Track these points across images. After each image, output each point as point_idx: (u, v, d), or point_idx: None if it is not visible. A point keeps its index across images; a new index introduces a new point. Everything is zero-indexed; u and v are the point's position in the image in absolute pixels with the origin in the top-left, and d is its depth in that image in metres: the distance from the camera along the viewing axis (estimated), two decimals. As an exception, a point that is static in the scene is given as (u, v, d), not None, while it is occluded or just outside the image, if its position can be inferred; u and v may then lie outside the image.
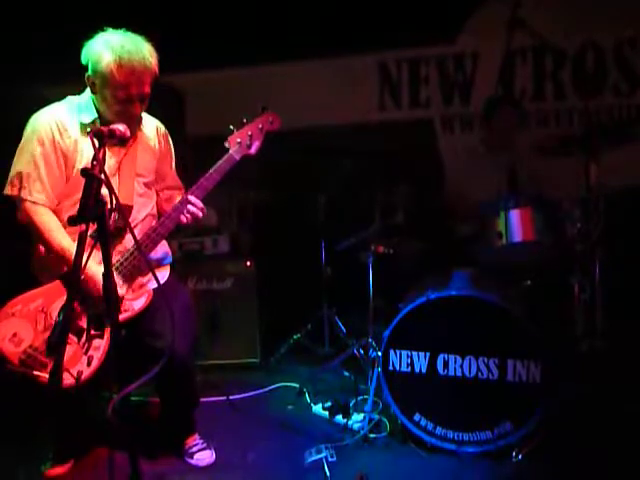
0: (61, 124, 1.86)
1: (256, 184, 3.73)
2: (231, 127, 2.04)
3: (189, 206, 1.93)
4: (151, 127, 2.10)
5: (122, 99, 1.80)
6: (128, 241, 1.89)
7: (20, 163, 1.85)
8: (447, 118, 3.80)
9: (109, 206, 1.30)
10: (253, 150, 2.04)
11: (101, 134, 1.34)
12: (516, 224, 2.47)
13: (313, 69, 3.85)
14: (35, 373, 1.68)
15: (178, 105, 3.92)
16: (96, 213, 1.25)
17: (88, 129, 1.82)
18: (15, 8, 3.45)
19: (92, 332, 1.73)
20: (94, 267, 1.76)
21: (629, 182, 3.30)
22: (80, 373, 1.69)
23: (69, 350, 1.67)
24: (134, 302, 1.89)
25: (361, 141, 3.74)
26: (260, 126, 2.07)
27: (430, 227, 3.12)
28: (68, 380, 1.67)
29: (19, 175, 1.83)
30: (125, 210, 1.87)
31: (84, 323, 1.78)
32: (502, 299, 2.21)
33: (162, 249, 2.09)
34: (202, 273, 3.23)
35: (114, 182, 1.87)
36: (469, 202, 3.08)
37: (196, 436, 2.30)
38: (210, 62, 3.76)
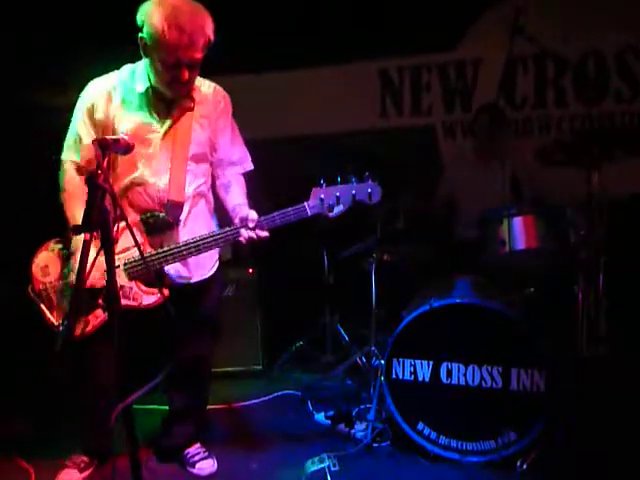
0: (107, 94, 1.85)
1: (257, 191, 3.73)
2: (322, 182, 1.86)
3: (249, 232, 1.86)
4: (209, 93, 1.97)
5: (170, 64, 1.72)
6: (178, 235, 1.88)
7: (68, 130, 1.91)
8: (448, 125, 3.81)
9: (113, 215, 1.30)
10: (333, 214, 1.84)
11: (105, 143, 1.34)
12: (519, 231, 2.46)
13: (315, 76, 3.86)
14: (42, 307, 1.86)
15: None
16: (100, 222, 1.25)
17: (140, 97, 1.83)
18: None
19: (99, 301, 1.80)
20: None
21: (633, 189, 3.29)
22: (82, 330, 1.80)
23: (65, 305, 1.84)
24: (144, 296, 1.85)
25: (363, 148, 3.75)
26: (353, 192, 1.84)
27: (432, 234, 3.11)
28: (60, 329, 1.82)
29: (66, 140, 1.91)
30: (175, 207, 1.85)
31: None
32: (505, 307, 2.20)
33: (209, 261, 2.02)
34: (204, 280, 3.22)
35: (157, 164, 1.86)
36: (470, 209, 3.09)
37: (198, 445, 2.28)
38: (213, 70, 3.77)
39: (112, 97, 1.87)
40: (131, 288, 1.83)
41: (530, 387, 2.16)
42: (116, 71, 1.94)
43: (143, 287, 1.85)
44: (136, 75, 1.88)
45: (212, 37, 1.75)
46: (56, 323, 1.85)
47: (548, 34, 3.43)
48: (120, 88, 1.88)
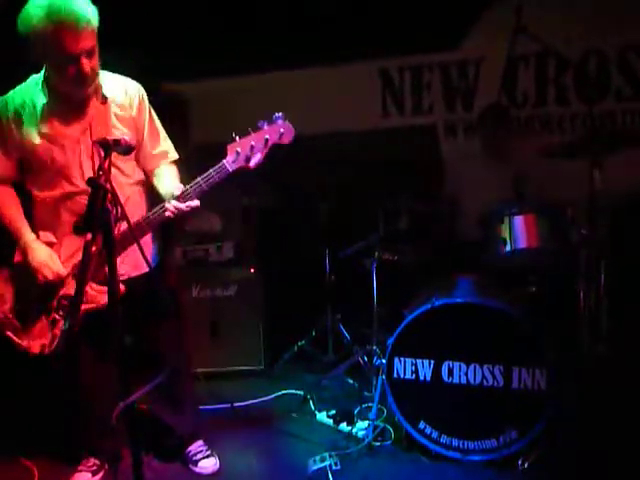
0: (14, 107, 1.86)
1: (259, 191, 3.74)
2: (234, 135, 1.83)
3: (175, 204, 1.81)
4: (119, 91, 1.95)
5: (66, 59, 1.70)
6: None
7: None
8: (450, 124, 3.80)
9: (114, 215, 1.30)
10: (252, 164, 1.81)
11: (107, 144, 1.35)
12: (520, 230, 2.46)
13: (315, 76, 3.86)
14: (9, 335, 1.87)
15: (183, 113, 3.94)
16: (101, 222, 1.26)
17: (43, 109, 1.83)
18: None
19: (56, 316, 1.82)
20: (38, 257, 1.85)
21: (634, 187, 3.28)
22: (44, 346, 1.82)
23: (39, 324, 1.85)
24: (100, 295, 1.81)
25: (364, 148, 3.75)
26: (266, 137, 1.80)
27: (434, 233, 3.11)
28: (35, 349, 1.84)
29: None
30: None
31: (55, 303, 1.85)
32: (507, 306, 2.20)
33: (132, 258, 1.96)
34: (206, 280, 3.23)
35: (86, 170, 1.84)
36: (472, 207, 3.09)
37: (200, 442, 2.28)
38: (214, 70, 3.78)
39: (20, 112, 1.87)
40: (86, 292, 1.80)
41: (531, 386, 2.16)
42: (23, 84, 1.93)
43: (97, 287, 1.83)
44: (40, 85, 1.88)
45: (95, 22, 1.73)
46: (27, 345, 1.85)
47: (549, 33, 3.44)
48: (28, 100, 1.87)
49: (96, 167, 1.81)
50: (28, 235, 1.91)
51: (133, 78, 2.05)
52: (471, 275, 2.52)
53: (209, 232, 3.45)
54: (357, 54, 3.75)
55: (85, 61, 1.72)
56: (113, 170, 1.88)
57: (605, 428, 2.28)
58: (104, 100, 1.89)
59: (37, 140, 1.86)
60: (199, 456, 2.24)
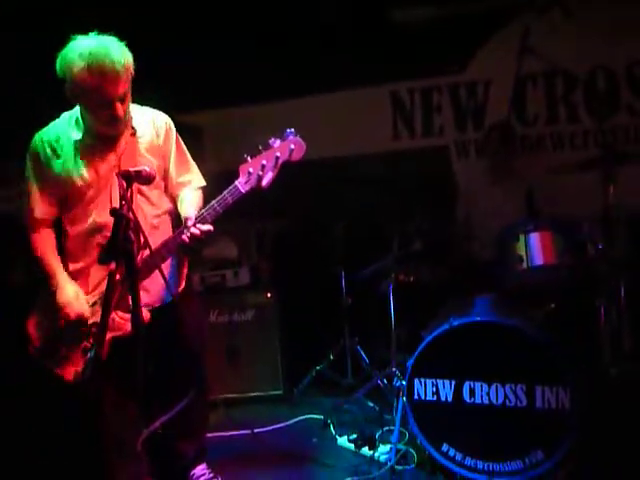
0: (49, 144, 1.92)
1: (274, 215, 3.78)
2: (245, 155, 1.82)
3: (190, 229, 1.82)
4: (147, 123, 2.00)
5: (100, 103, 1.77)
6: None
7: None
8: (461, 144, 3.83)
9: (137, 244, 1.34)
10: (265, 183, 1.79)
11: (128, 175, 1.40)
12: (536, 247, 2.46)
13: (327, 101, 3.93)
14: (44, 361, 1.91)
15: (197, 141, 4.03)
16: (124, 251, 1.29)
17: (78, 145, 1.89)
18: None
19: (87, 344, 1.86)
20: (64, 296, 1.89)
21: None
22: (77, 373, 1.85)
23: (72, 352, 1.89)
24: (127, 323, 1.82)
25: (377, 170, 3.79)
26: (277, 154, 1.79)
27: (449, 253, 3.11)
28: (69, 376, 1.87)
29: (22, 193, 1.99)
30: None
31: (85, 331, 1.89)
32: (526, 324, 2.19)
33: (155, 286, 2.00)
34: (223, 305, 3.26)
35: (111, 195, 1.88)
36: (487, 226, 3.09)
37: (204, 465, 2.26)
38: (227, 99, 3.87)
39: (56, 148, 1.92)
40: (113, 319, 1.83)
41: (556, 405, 2.12)
42: (57, 120, 1.99)
43: (123, 314, 1.86)
44: (73, 122, 1.94)
45: (132, 68, 1.80)
46: (61, 372, 1.89)
47: (556, 51, 3.48)
48: (63, 137, 1.93)
49: (134, 197, 1.90)
50: (60, 274, 1.96)
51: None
52: (489, 294, 2.51)
53: (226, 258, 3.49)
54: (367, 78, 3.82)
55: (119, 105, 1.80)
56: (140, 199, 1.97)
57: (632, 447, 2.22)
58: (133, 132, 1.96)
59: (72, 175, 1.92)
60: (202, 479, 2.22)
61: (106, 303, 1.29)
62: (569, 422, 2.09)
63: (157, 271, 1.99)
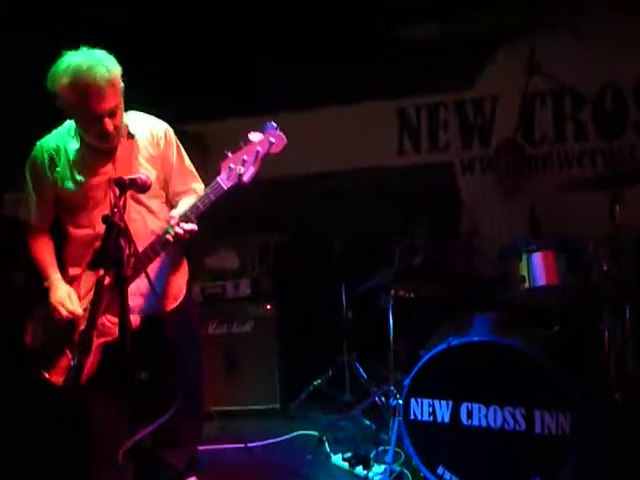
0: (49, 156, 1.94)
1: (277, 227, 3.77)
2: (226, 151, 1.78)
3: (174, 229, 1.80)
4: (145, 130, 1.98)
5: (87, 119, 1.77)
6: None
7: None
8: (467, 160, 3.81)
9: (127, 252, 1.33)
10: (246, 178, 1.75)
11: (122, 183, 1.39)
12: (539, 267, 2.41)
13: (333, 115, 3.94)
14: (37, 368, 1.90)
15: (202, 152, 4.05)
16: (114, 259, 1.28)
17: (76, 154, 1.90)
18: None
19: (76, 349, 1.83)
20: (57, 296, 1.89)
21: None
22: (68, 379, 1.81)
23: (63, 358, 1.88)
24: (115, 328, 1.73)
25: (381, 185, 3.78)
26: (258, 149, 1.76)
27: (451, 270, 3.08)
28: (58, 382, 1.85)
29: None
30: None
31: (76, 338, 1.88)
32: (526, 345, 2.14)
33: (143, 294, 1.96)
34: (223, 317, 3.24)
35: (110, 202, 1.84)
36: (490, 244, 3.05)
37: (194, 478, 2.22)
38: (232, 111, 3.89)
39: (54, 157, 1.94)
40: (103, 324, 1.83)
41: (555, 430, 2.06)
42: (58, 129, 2.00)
43: (112, 319, 1.83)
44: (72, 131, 1.95)
45: (120, 83, 1.80)
46: (53, 379, 1.89)
47: (564, 69, 3.47)
48: (62, 146, 1.95)
49: (126, 205, 1.90)
50: (53, 274, 1.97)
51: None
52: (489, 313, 2.47)
53: (227, 269, 3.48)
54: (374, 94, 3.82)
55: (107, 121, 1.79)
56: (141, 209, 1.97)
57: (636, 475, 2.15)
58: (130, 137, 1.95)
59: (70, 184, 1.93)
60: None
61: (93, 310, 1.27)
62: (570, 448, 2.03)
63: (154, 277, 1.99)
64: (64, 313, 1.88)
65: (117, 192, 1.35)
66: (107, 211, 1.87)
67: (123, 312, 1.33)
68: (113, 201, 1.36)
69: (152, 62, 3.45)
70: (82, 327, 1.89)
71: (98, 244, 1.87)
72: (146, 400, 1.63)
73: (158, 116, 2.13)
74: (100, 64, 1.75)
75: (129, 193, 1.86)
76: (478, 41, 3.57)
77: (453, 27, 3.58)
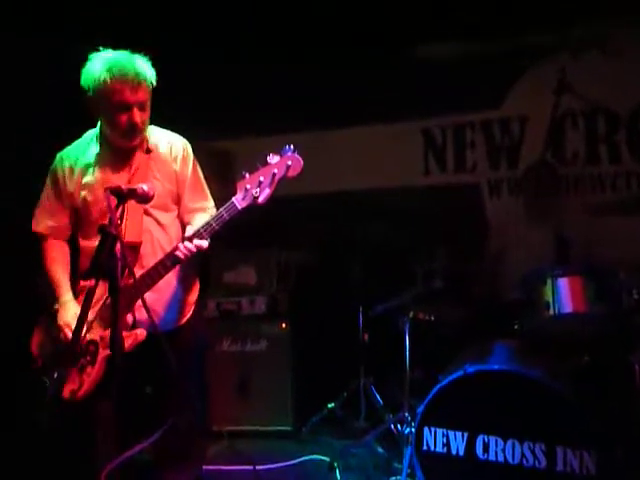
0: (68, 162, 1.97)
1: (297, 246, 3.73)
2: (243, 172, 1.83)
3: (186, 245, 1.82)
4: (165, 145, 2.02)
5: (119, 108, 1.80)
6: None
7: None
8: (494, 182, 3.70)
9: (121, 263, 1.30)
10: (261, 200, 1.79)
11: (120, 192, 1.37)
12: (565, 293, 2.29)
13: (357, 135, 3.90)
14: (44, 378, 1.87)
15: (229, 167, 4.07)
16: (108, 269, 1.25)
17: (94, 159, 1.92)
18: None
19: (81, 361, 1.82)
20: (64, 317, 1.88)
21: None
22: (74, 391, 1.80)
23: (69, 370, 1.84)
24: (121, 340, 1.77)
25: (404, 205, 3.70)
26: (275, 171, 1.79)
27: (474, 294, 2.96)
28: (65, 394, 1.81)
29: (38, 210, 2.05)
30: (131, 248, 1.84)
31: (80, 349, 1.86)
32: (550, 376, 2.01)
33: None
34: (237, 334, 3.19)
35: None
36: (516, 268, 2.93)
37: None
38: (259, 128, 3.91)
39: (74, 168, 1.97)
40: (105, 338, 1.81)
41: (579, 469, 1.91)
42: (79, 139, 2.04)
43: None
44: (94, 139, 1.99)
45: (153, 80, 1.86)
46: (63, 392, 1.86)
47: (596, 90, 3.34)
48: (81, 156, 1.98)
49: (141, 219, 1.91)
50: (65, 295, 1.97)
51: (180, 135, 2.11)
52: (510, 341, 2.34)
53: (244, 285, 3.45)
54: (399, 114, 3.78)
55: (137, 112, 1.84)
56: (151, 222, 1.97)
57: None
58: (148, 151, 1.98)
59: (85, 191, 1.95)
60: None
61: (80, 320, 1.24)
62: (594, 490, 1.88)
63: (163, 292, 1.97)
64: (69, 336, 1.86)
65: (115, 201, 1.33)
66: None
67: (115, 323, 1.29)
68: (109, 210, 1.34)
69: (181, 78, 3.51)
70: (88, 338, 1.88)
71: None
72: (147, 415, 1.60)
73: (184, 132, 2.15)
74: (139, 59, 1.85)
75: (142, 207, 1.89)
76: (505, 60, 3.49)
77: (479, 46, 3.52)
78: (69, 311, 1.92)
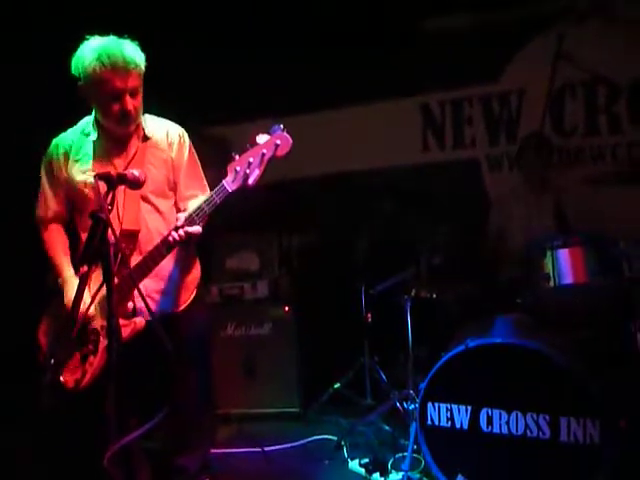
0: (64, 152, 1.96)
1: (298, 229, 3.73)
2: (233, 153, 1.79)
3: (178, 231, 1.81)
4: (161, 133, 2.01)
5: (110, 96, 1.79)
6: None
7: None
8: (493, 157, 3.67)
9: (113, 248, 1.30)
10: (251, 181, 1.76)
11: (109, 178, 1.37)
12: (565, 264, 2.27)
13: (355, 114, 3.87)
14: (46, 368, 1.84)
15: (225, 153, 4.05)
16: (100, 254, 1.26)
17: (91, 147, 1.92)
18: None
19: (84, 350, 1.83)
20: (70, 294, 1.87)
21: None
22: (78, 381, 1.81)
23: (73, 360, 1.85)
24: (122, 329, 1.76)
25: (404, 183, 3.68)
26: (263, 151, 1.76)
27: (474, 270, 2.95)
28: (70, 384, 1.83)
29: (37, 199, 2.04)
30: (130, 235, 1.84)
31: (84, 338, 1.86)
32: (551, 347, 2.01)
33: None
34: (241, 318, 3.21)
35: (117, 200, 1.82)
36: (515, 242, 2.92)
37: None
38: (254, 113, 3.88)
39: (69, 154, 1.96)
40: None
41: (583, 438, 1.92)
42: (75, 126, 2.02)
43: (121, 320, 1.81)
44: (90, 126, 1.97)
45: (143, 66, 1.84)
46: (64, 380, 1.87)
47: (597, 59, 3.28)
48: (76, 142, 1.97)
49: (138, 206, 1.90)
50: (67, 271, 1.98)
51: (176, 122, 2.10)
52: (511, 314, 2.34)
53: (247, 270, 3.45)
54: (396, 89, 3.73)
55: (129, 99, 1.82)
56: (148, 209, 1.96)
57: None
58: (145, 139, 1.97)
59: (80, 177, 1.95)
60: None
61: (74, 307, 1.25)
62: (598, 459, 1.89)
63: (161, 277, 1.97)
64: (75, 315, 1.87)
65: (105, 187, 1.33)
66: (113, 212, 1.90)
67: (110, 308, 1.30)
68: (100, 196, 1.34)
69: (176, 66, 3.48)
70: (90, 327, 1.89)
71: None
72: (151, 402, 1.61)
73: (181, 119, 2.13)
74: (127, 44, 1.82)
75: (138, 194, 1.89)
76: (507, 32, 3.42)
77: (478, 19, 3.45)
78: (73, 286, 1.90)
